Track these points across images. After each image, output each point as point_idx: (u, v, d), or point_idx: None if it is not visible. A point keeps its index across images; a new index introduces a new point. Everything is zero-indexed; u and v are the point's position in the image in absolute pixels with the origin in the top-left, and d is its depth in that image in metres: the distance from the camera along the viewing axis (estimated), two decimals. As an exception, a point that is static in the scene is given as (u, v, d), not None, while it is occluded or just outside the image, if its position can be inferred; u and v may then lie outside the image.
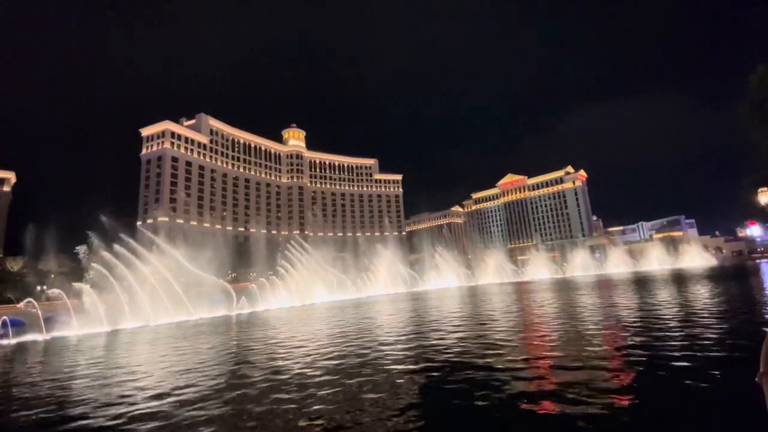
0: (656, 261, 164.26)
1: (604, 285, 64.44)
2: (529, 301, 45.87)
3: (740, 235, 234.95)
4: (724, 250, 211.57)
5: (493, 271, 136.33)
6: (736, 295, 37.79)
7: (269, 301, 75.28)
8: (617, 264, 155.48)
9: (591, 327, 23.63)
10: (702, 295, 37.74)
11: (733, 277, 62.90)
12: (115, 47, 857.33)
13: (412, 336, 25.40)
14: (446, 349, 19.90)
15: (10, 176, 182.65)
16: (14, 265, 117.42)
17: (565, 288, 64.59)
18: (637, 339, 18.87)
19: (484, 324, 28.70)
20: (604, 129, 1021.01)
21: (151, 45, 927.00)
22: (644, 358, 15.19)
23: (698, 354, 15.14)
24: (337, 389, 13.72)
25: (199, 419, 11.44)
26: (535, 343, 20.43)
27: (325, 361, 18.84)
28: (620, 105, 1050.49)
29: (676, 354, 15.40)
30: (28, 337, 45.92)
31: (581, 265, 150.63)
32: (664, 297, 38.06)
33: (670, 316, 25.29)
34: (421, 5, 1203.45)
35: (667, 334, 19.55)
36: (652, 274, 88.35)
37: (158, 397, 14.36)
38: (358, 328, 32.09)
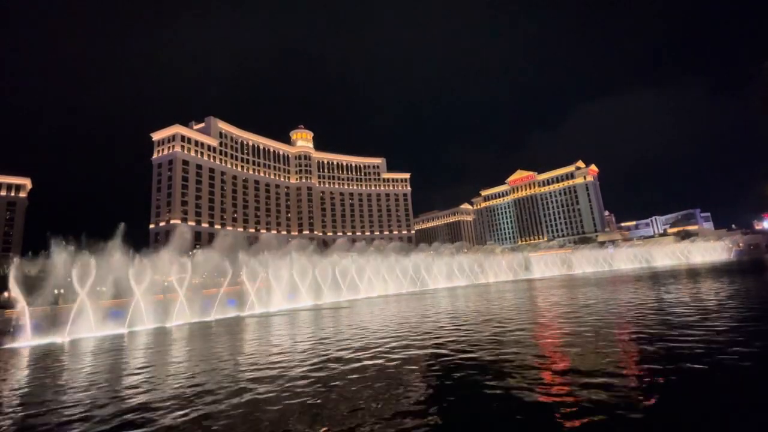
0: (669, 256, 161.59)
1: (618, 282, 63.62)
2: (554, 300, 45.51)
3: (757, 227, 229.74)
4: (740, 244, 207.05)
5: (504, 268, 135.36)
6: (753, 292, 37.02)
7: (279, 303, 75.59)
8: (629, 260, 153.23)
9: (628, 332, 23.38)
10: (721, 293, 37.04)
11: (750, 271, 61.59)
12: (126, 53, 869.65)
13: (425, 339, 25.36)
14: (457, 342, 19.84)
15: (26, 182, 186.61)
16: (32, 269, 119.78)
17: (577, 285, 63.93)
18: (655, 334, 18.65)
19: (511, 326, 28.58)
20: (615, 123, 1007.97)
21: (160, 50, 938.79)
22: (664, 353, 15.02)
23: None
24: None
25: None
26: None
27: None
28: (631, 98, 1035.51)
29: (698, 350, 15.17)
30: (47, 339, 46.96)
31: (593, 262, 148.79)
32: (679, 294, 37.46)
33: (689, 313, 24.90)
34: (428, 5, 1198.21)
35: (684, 330, 19.27)
36: (665, 270, 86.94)
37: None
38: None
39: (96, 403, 15.32)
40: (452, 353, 18.70)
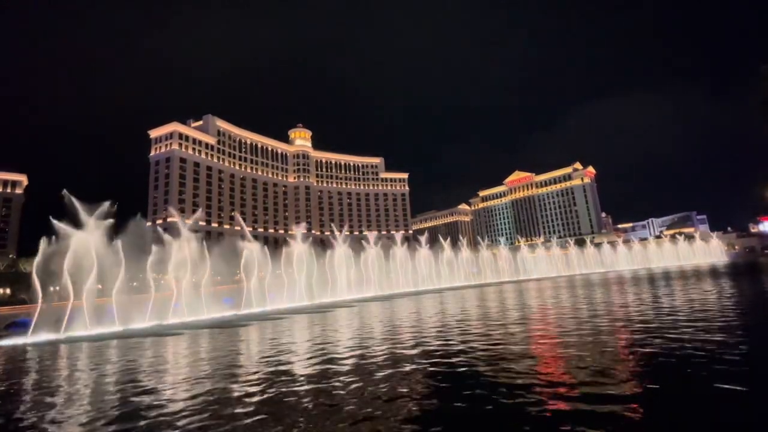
0: (666, 258, 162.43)
1: (614, 283, 63.83)
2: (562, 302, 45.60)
3: (753, 230, 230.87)
4: (736, 246, 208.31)
5: (502, 269, 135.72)
6: (749, 293, 37.21)
7: (276, 301, 75.23)
8: (626, 261, 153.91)
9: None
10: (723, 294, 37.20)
11: (746, 274, 61.90)
12: (124, 50, 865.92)
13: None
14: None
15: (23, 179, 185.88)
16: (28, 266, 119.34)
17: (574, 286, 64.11)
18: (651, 335, 18.72)
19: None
20: (612, 125, 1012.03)
21: (158, 47, 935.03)
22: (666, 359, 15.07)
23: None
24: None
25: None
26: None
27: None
28: (629, 100, 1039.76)
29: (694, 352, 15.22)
30: (42, 337, 46.75)
31: (590, 263, 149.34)
32: (676, 295, 37.61)
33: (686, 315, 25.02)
34: (427, 6, 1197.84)
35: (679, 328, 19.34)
36: (661, 272, 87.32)
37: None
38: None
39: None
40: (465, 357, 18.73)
